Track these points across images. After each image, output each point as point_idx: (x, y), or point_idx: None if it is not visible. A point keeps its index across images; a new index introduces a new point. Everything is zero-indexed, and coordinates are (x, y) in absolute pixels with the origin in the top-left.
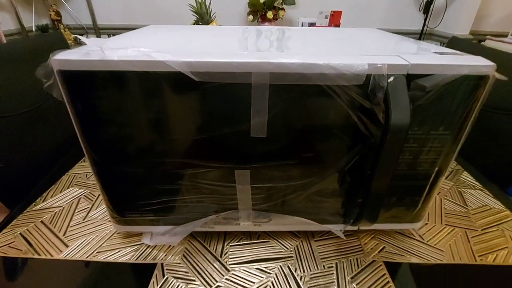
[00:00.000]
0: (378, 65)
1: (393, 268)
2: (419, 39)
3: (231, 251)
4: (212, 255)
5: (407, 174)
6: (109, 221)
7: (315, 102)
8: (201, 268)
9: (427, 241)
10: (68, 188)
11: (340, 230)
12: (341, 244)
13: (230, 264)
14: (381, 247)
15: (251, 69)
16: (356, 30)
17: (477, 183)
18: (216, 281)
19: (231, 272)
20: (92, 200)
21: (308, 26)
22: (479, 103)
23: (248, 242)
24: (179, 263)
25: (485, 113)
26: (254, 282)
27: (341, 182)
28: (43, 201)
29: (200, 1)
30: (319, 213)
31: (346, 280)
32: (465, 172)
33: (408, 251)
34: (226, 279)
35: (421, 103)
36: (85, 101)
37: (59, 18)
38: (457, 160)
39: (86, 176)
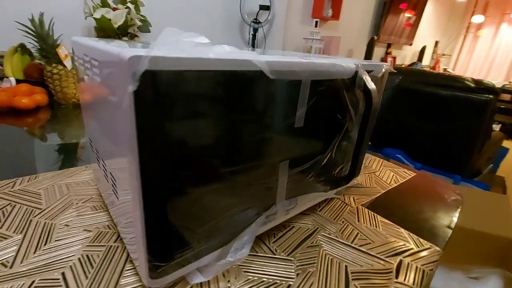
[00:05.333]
0: (359, 64)
1: (369, 206)
2: None
3: (277, 247)
4: (267, 257)
5: (359, 139)
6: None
7: (327, 94)
8: (271, 271)
9: (366, 186)
10: None
11: (335, 193)
12: (334, 207)
13: (287, 255)
14: (353, 198)
15: (304, 68)
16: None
17: None
18: (293, 271)
19: (296, 260)
20: (58, 285)
21: None
22: (384, 86)
23: (281, 234)
24: (249, 279)
25: None
26: (316, 256)
27: (335, 154)
28: None
29: (38, 19)
30: (322, 184)
31: (357, 224)
32: None
33: (365, 194)
34: (297, 265)
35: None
36: (167, 108)
37: None
38: None
39: (6, 266)
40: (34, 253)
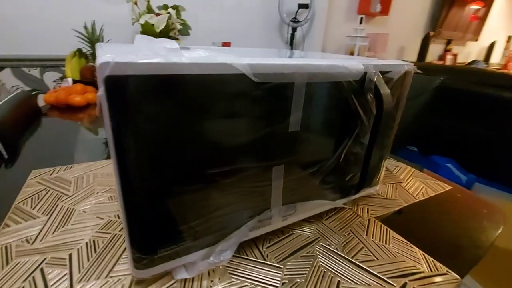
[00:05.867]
0: (369, 65)
1: (384, 220)
2: None
3: (270, 253)
4: (257, 261)
5: (379, 146)
6: (113, 276)
7: (330, 97)
8: (256, 276)
9: (386, 197)
10: (11, 261)
11: (344, 203)
12: (343, 217)
13: (279, 262)
14: (367, 209)
15: (296, 70)
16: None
17: None
18: (279, 280)
19: (285, 268)
20: (63, 264)
21: None
22: (408, 89)
23: (278, 240)
24: (233, 281)
25: None
26: (308, 267)
27: (343, 161)
28: None
29: (90, 26)
30: (328, 192)
31: (364, 237)
32: None
33: (382, 206)
34: (285, 274)
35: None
36: (137, 111)
37: None
38: None
39: (29, 242)
40: (53, 233)
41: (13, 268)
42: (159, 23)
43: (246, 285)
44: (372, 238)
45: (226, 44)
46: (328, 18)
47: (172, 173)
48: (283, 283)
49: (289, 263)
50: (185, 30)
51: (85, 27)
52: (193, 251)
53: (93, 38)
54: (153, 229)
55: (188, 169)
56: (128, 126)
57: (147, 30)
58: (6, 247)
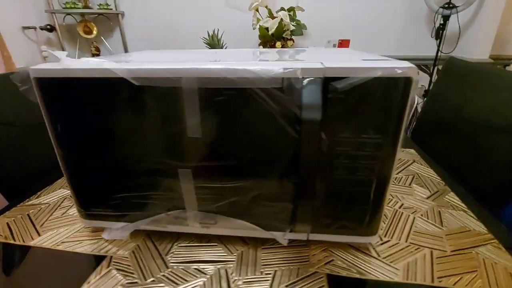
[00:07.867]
0: (292, 69)
1: (334, 281)
2: (434, 65)
3: (177, 251)
4: (158, 253)
5: (346, 180)
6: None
7: (244, 106)
8: (143, 264)
9: (383, 258)
10: (59, 189)
11: (286, 239)
12: (288, 254)
13: (171, 262)
14: (329, 260)
15: (181, 74)
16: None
17: (462, 204)
18: (152, 276)
19: (169, 270)
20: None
21: None
22: (407, 106)
23: (197, 244)
24: (126, 258)
25: (478, 133)
26: (187, 280)
27: (281, 186)
28: (36, 198)
29: (212, 33)
30: (265, 218)
31: None
32: (451, 192)
33: (358, 266)
34: (163, 275)
35: (343, 104)
36: (53, 102)
37: (98, 53)
38: (445, 180)
39: None
40: None
41: (57, 193)
42: (272, 26)
43: (129, 266)
44: None
45: (344, 42)
46: None
47: (82, 152)
48: (152, 280)
49: (177, 268)
50: (298, 30)
51: (208, 34)
52: (117, 220)
53: (212, 43)
54: (84, 191)
55: (95, 152)
56: (52, 112)
57: (263, 33)
58: None
